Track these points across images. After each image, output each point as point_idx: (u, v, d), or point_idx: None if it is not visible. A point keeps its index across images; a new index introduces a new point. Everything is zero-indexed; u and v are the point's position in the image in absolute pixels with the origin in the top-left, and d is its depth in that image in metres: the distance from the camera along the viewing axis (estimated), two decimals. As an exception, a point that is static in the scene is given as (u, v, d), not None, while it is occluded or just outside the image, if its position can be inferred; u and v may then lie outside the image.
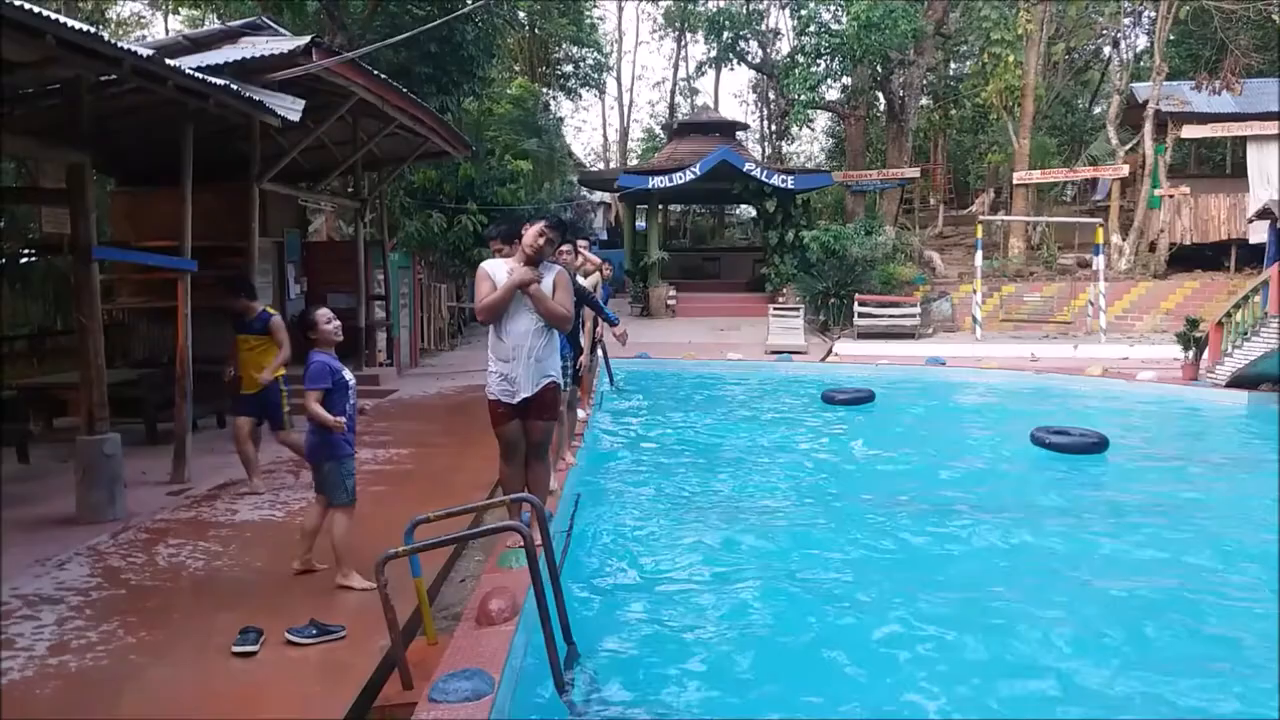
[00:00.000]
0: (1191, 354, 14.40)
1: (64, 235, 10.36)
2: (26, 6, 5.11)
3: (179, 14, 29.82)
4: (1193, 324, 14.58)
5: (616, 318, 8.51)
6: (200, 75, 7.47)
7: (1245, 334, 13.32)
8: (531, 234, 5.38)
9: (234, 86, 8.01)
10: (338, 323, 5.56)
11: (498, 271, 5.45)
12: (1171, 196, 23.03)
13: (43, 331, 13.02)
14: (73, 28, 5.55)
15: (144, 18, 33.15)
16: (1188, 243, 23.00)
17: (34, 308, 14.43)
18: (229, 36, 10.41)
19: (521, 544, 4.56)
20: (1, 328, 12.97)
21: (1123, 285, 22.28)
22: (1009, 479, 9.35)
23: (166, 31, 29.82)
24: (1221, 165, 27.06)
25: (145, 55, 6.47)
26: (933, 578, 6.23)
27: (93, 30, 5.95)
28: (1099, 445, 9.94)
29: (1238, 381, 13.20)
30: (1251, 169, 22.48)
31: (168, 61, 6.93)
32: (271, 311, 7.59)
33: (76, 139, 6.95)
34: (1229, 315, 14.04)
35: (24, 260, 14.65)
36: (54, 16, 5.46)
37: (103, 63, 6.19)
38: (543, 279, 5.40)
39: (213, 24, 20.12)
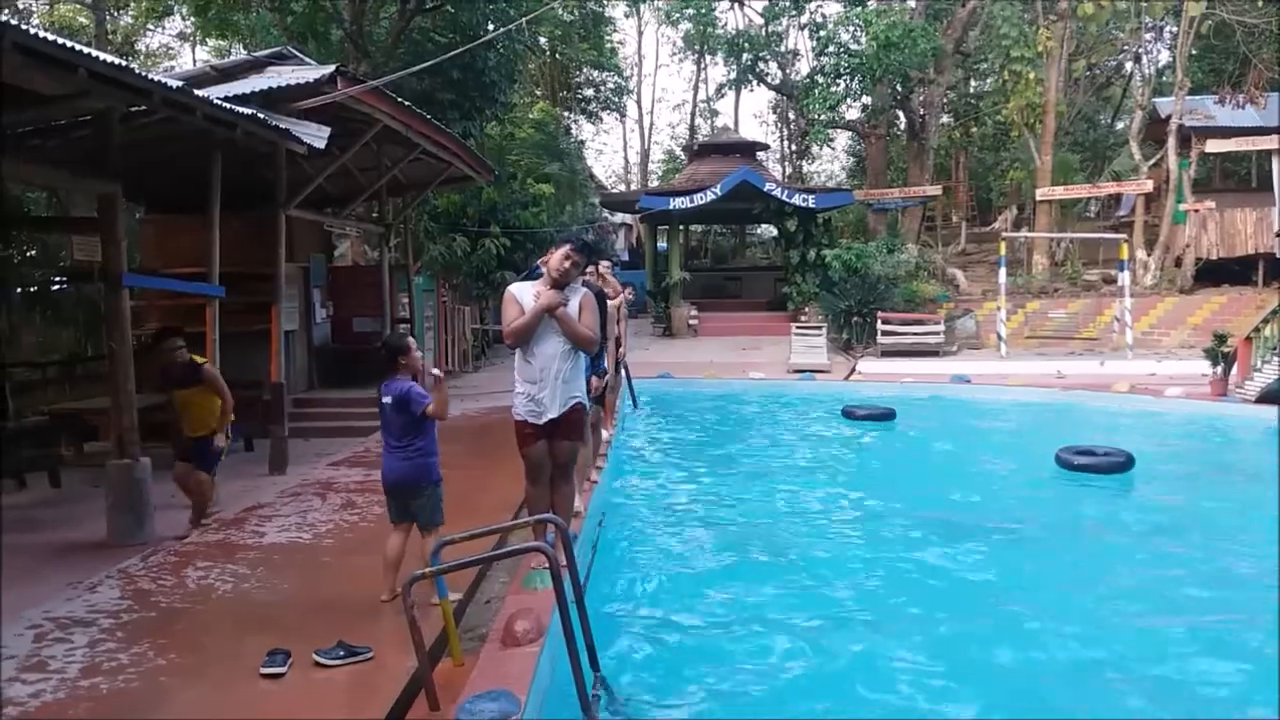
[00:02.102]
0: (1220, 370, 14.21)
1: (94, 263, 10.55)
2: (60, 41, 5.24)
3: (206, 45, 30.34)
4: (1221, 339, 14.40)
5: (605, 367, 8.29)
6: (227, 105, 7.61)
7: (1274, 349, 13.17)
8: (557, 258, 5.43)
9: (260, 115, 8.15)
10: (421, 353, 5.89)
11: (525, 295, 5.48)
12: (1197, 211, 22.83)
13: (74, 358, 13.19)
14: (104, 61, 5.67)
15: (172, 49, 33.79)
16: (1214, 257, 22.77)
17: (65, 334, 14.65)
18: (255, 66, 10.59)
19: (546, 565, 4.58)
20: (33, 354, 13.18)
21: (1149, 300, 22.07)
22: (1034, 499, 9.27)
23: (194, 62, 30.38)
24: (1247, 179, 26.81)
25: (174, 86, 6.60)
26: (960, 602, 6.19)
27: (123, 63, 6.08)
28: (1125, 465, 9.84)
29: (1267, 397, 13.02)
30: (1277, 182, 22.26)
31: (196, 92, 7.07)
32: (200, 360, 7.38)
33: (107, 169, 7.08)
34: (1257, 330, 13.87)
35: (55, 288, 14.91)
36: (86, 50, 5.59)
37: (133, 94, 6.33)
38: (569, 302, 5.45)
39: (239, 54, 20.46)
